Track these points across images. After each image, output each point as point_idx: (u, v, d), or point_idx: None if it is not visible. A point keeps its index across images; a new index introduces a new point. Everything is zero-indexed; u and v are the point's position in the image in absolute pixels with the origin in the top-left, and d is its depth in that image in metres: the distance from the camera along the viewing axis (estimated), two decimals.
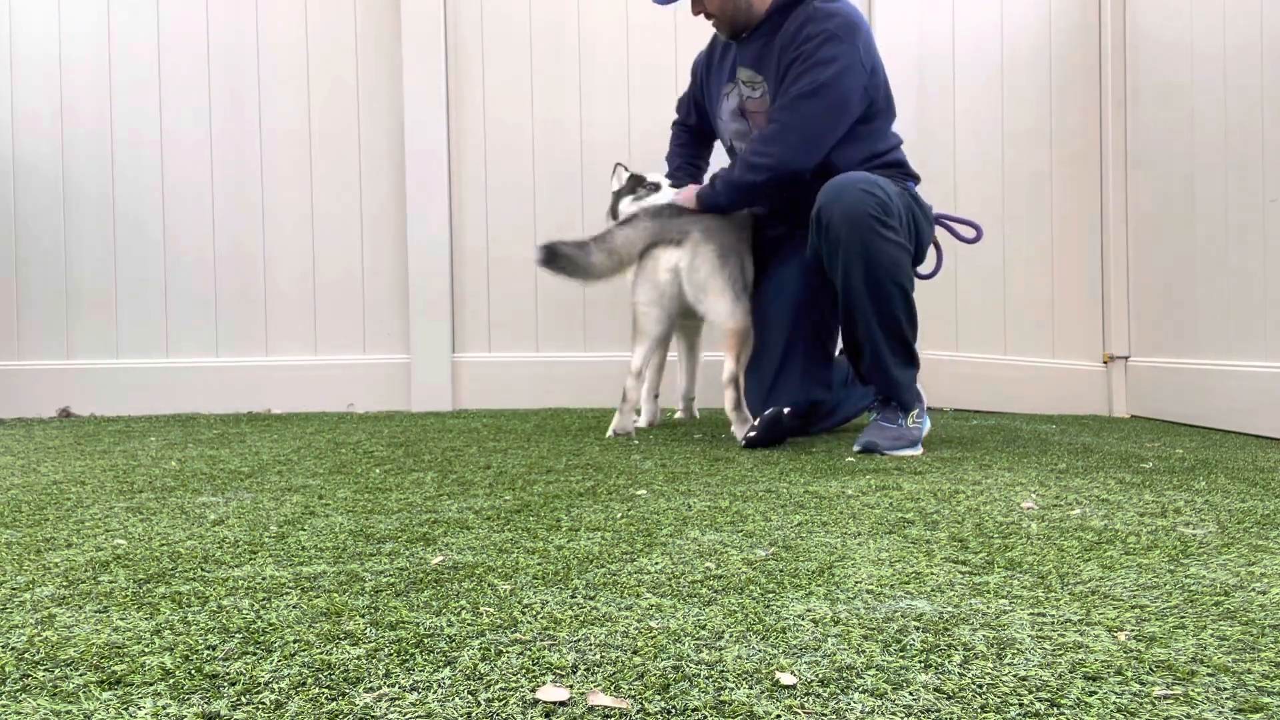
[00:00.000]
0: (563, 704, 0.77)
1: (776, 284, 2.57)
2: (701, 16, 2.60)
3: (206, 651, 0.90)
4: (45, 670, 0.86)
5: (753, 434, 2.32)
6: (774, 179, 2.40)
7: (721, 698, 0.78)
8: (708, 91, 2.78)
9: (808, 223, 2.38)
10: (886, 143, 2.52)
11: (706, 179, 2.84)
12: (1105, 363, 3.56)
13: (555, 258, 2.44)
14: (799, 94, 2.36)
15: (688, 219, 2.47)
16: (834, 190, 2.26)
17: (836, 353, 2.70)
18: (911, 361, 2.38)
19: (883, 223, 2.23)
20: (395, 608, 1.03)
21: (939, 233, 2.66)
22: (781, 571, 1.17)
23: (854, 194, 2.23)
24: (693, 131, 2.96)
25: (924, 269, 2.59)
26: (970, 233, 2.62)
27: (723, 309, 2.40)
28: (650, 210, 2.55)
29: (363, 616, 1.00)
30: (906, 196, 2.43)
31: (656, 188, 2.81)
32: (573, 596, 1.07)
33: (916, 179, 2.57)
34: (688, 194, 2.59)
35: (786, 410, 2.34)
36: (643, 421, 2.90)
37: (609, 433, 2.60)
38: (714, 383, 3.32)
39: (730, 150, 2.74)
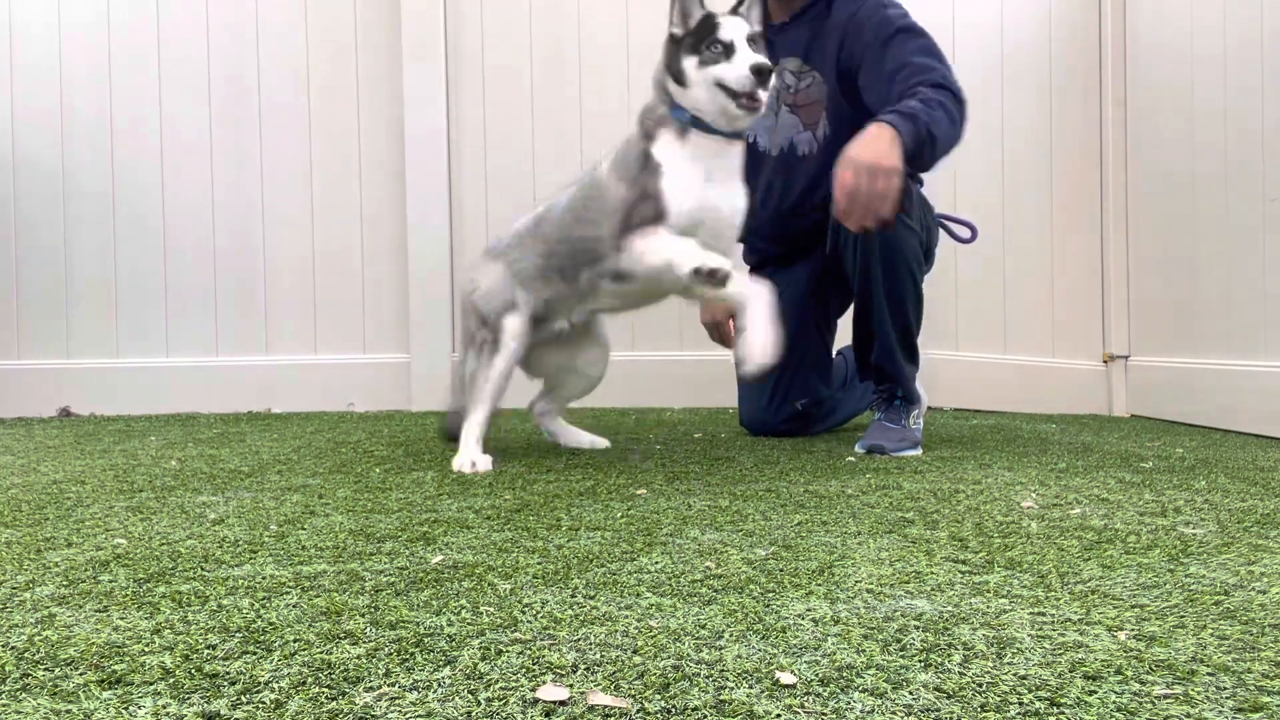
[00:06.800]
0: (563, 703, 0.77)
1: (780, 284, 2.57)
2: None
3: (206, 651, 0.90)
4: (45, 670, 0.86)
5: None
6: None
7: (721, 697, 0.78)
8: None
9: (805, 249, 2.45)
10: None
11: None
12: (1105, 362, 3.56)
13: None
14: (916, 63, 2.23)
15: None
16: None
17: (834, 353, 2.71)
18: (913, 357, 2.37)
19: (907, 212, 2.21)
20: (395, 607, 1.03)
21: (968, 211, 2.64)
22: (781, 571, 1.17)
23: None
24: None
25: (963, 233, 2.52)
26: (966, 233, 2.58)
27: None
28: None
29: (363, 616, 1.00)
30: (920, 194, 2.42)
31: (730, 50, 1.94)
32: (573, 596, 1.07)
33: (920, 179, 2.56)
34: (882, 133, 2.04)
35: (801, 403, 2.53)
36: None
37: None
38: (710, 382, 3.33)
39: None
